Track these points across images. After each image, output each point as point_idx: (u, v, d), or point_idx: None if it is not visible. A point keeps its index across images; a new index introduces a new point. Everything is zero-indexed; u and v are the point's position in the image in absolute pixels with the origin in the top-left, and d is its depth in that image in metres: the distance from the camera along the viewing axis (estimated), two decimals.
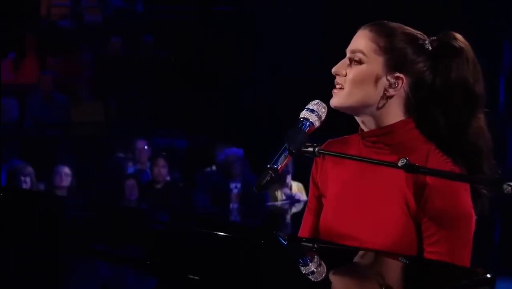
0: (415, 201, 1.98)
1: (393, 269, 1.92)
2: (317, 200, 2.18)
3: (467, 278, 1.64)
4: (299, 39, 8.51)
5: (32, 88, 8.95)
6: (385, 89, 2.03)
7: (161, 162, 6.77)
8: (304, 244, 2.15)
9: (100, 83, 8.84)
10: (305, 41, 8.50)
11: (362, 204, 2.05)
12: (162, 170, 6.69)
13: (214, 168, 7.59)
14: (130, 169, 7.19)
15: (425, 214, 1.97)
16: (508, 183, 1.66)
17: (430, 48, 2.06)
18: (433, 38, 2.08)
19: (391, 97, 2.04)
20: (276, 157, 1.96)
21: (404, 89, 2.04)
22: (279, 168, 1.95)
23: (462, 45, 2.05)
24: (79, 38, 9.84)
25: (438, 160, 1.98)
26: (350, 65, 2.05)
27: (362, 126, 2.09)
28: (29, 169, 6.44)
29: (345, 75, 2.05)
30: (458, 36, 2.07)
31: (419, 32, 2.08)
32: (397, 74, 2.03)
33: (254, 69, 8.86)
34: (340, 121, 2.18)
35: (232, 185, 7.00)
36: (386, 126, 2.05)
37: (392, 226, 2.00)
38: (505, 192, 1.65)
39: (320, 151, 1.95)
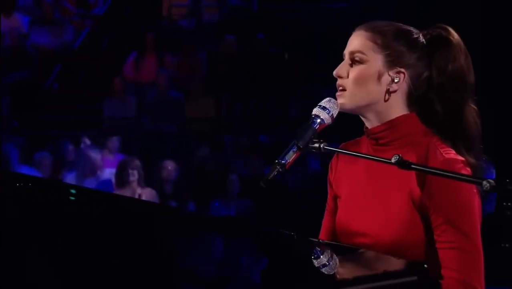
0: (420, 193, 2.02)
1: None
2: (334, 201, 2.24)
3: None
4: None
5: (150, 86, 9.34)
6: (388, 85, 2.08)
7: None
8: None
9: (213, 80, 9.09)
10: None
11: (372, 202, 2.10)
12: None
13: None
14: (234, 164, 7.39)
15: (430, 205, 2.01)
16: (488, 180, 1.67)
17: (424, 41, 2.11)
18: (424, 31, 2.13)
19: (394, 92, 2.09)
20: (285, 152, 2.02)
21: (406, 82, 2.10)
22: (287, 163, 2.02)
23: (455, 36, 2.10)
24: (196, 37, 10.15)
25: (440, 152, 2.03)
26: (351, 66, 2.10)
27: (367, 124, 2.14)
28: (137, 162, 6.75)
29: (347, 77, 2.10)
30: (449, 28, 2.12)
31: (411, 27, 2.13)
32: (398, 69, 2.08)
33: None
34: (350, 121, 2.23)
35: None
36: (389, 121, 2.09)
37: (400, 221, 2.04)
38: (484, 188, 1.67)
39: (325, 148, 2.02)
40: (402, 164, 1.83)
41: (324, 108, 2.09)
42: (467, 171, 2.02)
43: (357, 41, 2.11)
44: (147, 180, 7.29)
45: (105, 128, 8.84)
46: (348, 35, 2.17)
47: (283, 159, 2.02)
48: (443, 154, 2.03)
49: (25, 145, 7.97)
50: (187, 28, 10.49)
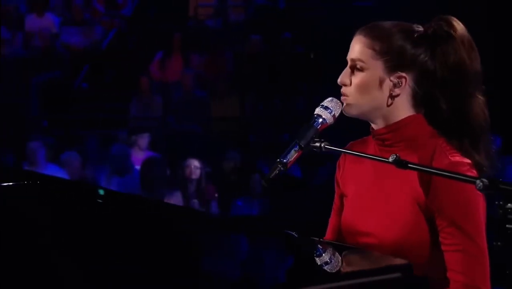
0: (424, 195, 2.02)
1: None
2: (340, 200, 2.25)
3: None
4: None
5: (175, 85, 9.40)
6: (391, 90, 2.07)
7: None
8: None
9: (238, 80, 9.12)
10: None
11: (377, 202, 2.11)
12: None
13: None
14: (258, 163, 7.41)
15: (435, 208, 2.01)
16: (481, 179, 1.68)
17: (426, 36, 2.08)
18: (428, 25, 2.10)
19: (397, 96, 2.08)
20: (286, 152, 2.05)
21: (409, 85, 2.08)
22: (288, 162, 2.04)
23: (456, 28, 2.06)
24: (222, 36, 10.19)
25: (446, 154, 2.02)
26: (352, 73, 2.10)
27: (373, 125, 2.14)
28: (161, 161, 6.80)
29: (350, 85, 2.10)
30: (452, 19, 2.08)
31: (413, 24, 2.11)
32: (399, 73, 2.07)
33: None
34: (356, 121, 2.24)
35: None
36: (395, 123, 2.09)
37: (404, 222, 2.04)
38: (477, 187, 1.68)
39: (326, 147, 2.03)
40: (399, 163, 1.84)
41: (326, 108, 2.10)
42: (472, 173, 2.01)
43: (356, 48, 2.10)
44: (171, 179, 7.36)
45: (131, 127, 8.91)
46: None
47: (284, 158, 2.04)
48: (449, 157, 2.02)
49: (53, 144, 8.05)
50: (213, 28, 10.54)
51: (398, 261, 1.77)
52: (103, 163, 7.90)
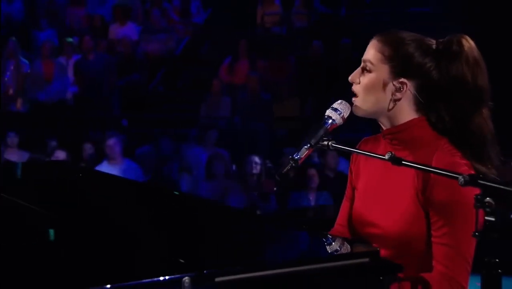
0: (422, 192, 2.06)
1: None
2: (352, 190, 2.31)
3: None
4: None
5: (242, 88, 9.52)
6: (393, 93, 2.13)
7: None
8: None
9: (299, 82, 9.17)
10: None
11: (384, 196, 2.16)
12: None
13: None
14: (315, 160, 7.46)
15: (430, 203, 2.05)
16: (463, 175, 1.71)
17: (435, 50, 2.12)
18: (441, 40, 2.14)
19: (399, 100, 2.13)
20: (299, 149, 2.13)
21: (410, 91, 2.13)
22: (300, 159, 2.11)
23: (464, 45, 2.09)
24: (286, 42, 10.27)
25: (445, 154, 2.05)
26: (362, 73, 2.16)
27: (381, 125, 2.20)
28: (224, 157, 6.92)
29: (359, 83, 2.16)
30: (463, 36, 2.11)
31: (426, 37, 2.15)
32: (402, 79, 2.12)
33: None
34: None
35: None
36: (399, 125, 2.14)
37: (406, 216, 2.09)
38: (460, 183, 1.71)
39: (333, 145, 2.10)
40: (394, 160, 1.89)
41: (335, 109, 2.17)
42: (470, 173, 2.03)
43: (369, 51, 2.17)
44: (235, 173, 7.48)
45: (201, 126, 9.07)
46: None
47: (297, 154, 2.11)
48: (449, 156, 2.05)
49: (130, 141, 8.26)
50: (278, 35, 10.63)
51: (367, 247, 1.82)
52: (175, 160, 8.08)
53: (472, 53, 2.09)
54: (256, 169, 6.98)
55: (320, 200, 6.93)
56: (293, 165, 2.11)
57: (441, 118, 2.10)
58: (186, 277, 1.53)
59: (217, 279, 1.47)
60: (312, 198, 6.98)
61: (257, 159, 7.05)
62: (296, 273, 1.62)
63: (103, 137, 8.06)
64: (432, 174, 2.02)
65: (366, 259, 1.71)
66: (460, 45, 2.10)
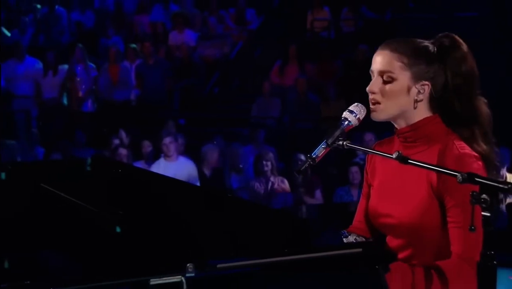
0: (437, 181, 2.09)
1: None
2: (368, 188, 2.35)
3: None
4: None
5: (291, 89, 9.56)
6: (416, 96, 2.17)
7: None
8: None
9: (345, 84, 9.15)
10: None
11: (398, 190, 2.19)
12: None
13: None
14: (356, 157, 7.44)
15: (445, 190, 2.08)
16: (462, 173, 1.73)
17: (435, 51, 2.17)
18: (432, 41, 2.19)
19: (421, 100, 2.17)
20: (316, 148, 2.17)
21: (428, 91, 2.17)
22: (317, 157, 2.16)
23: (460, 41, 2.17)
24: (334, 46, 10.26)
25: (456, 147, 2.10)
26: (383, 83, 2.18)
27: (396, 126, 2.23)
28: (271, 155, 6.98)
29: (379, 93, 2.18)
30: (453, 35, 2.19)
31: (424, 41, 2.19)
32: (423, 82, 2.16)
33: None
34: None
35: None
36: (415, 123, 2.18)
37: (420, 207, 2.12)
38: (458, 181, 1.73)
39: (347, 145, 2.13)
40: (401, 159, 1.92)
41: (351, 112, 2.20)
42: (478, 164, 2.08)
43: (385, 61, 2.18)
44: (282, 170, 7.52)
45: (252, 125, 9.15)
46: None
47: (314, 153, 2.16)
48: (459, 149, 2.10)
49: (185, 140, 8.37)
50: (326, 39, 10.63)
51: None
52: (227, 157, 8.15)
53: (466, 46, 2.17)
54: (300, 166, 6.98)
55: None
56: (311, 162, 2.16)
57: (453, 109, 2.15)
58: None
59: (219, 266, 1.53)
60: (354, 193, 6.97)
61: (303, 157, 7.07)
62: (294, 261, 1.66)
63: (161, 136, 8.20)
64: (445, 162, 2.05)
65: (359, 250, 1.74)
66: (456, 40, 2.17)
